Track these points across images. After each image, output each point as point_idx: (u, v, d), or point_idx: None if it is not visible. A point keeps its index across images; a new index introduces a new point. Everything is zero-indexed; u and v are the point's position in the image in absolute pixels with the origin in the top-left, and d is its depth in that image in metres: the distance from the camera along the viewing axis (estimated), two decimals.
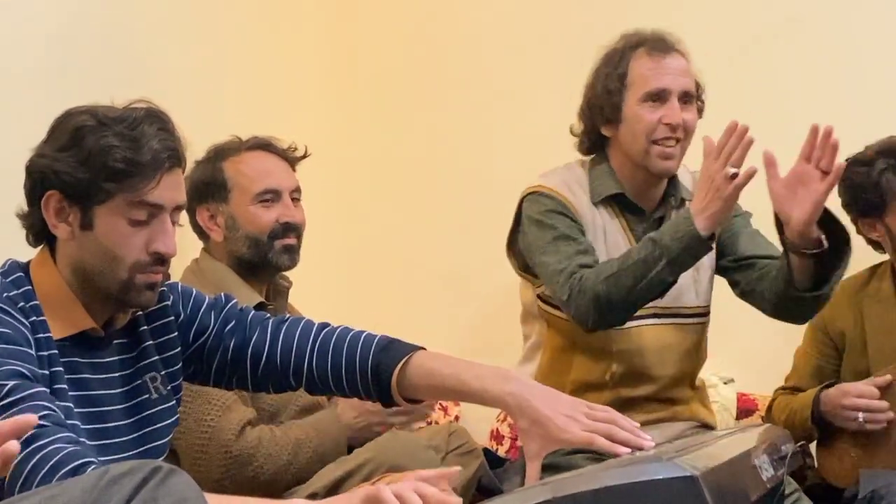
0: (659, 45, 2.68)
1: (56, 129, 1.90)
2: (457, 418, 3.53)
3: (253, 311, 2.14)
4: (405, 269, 3.73)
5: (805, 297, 2.53)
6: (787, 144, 3.39)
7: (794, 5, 3.45)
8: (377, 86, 3.87)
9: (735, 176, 2.39)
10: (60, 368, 1.84)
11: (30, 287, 1.88)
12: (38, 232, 1.93)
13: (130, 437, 1.94)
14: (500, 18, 3.65)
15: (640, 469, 1.53)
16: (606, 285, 2.48)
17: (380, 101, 3.86)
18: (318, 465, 2.49)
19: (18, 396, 1.69)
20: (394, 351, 2.04)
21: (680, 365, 2.71)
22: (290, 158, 2.75)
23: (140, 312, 2.01)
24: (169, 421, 2.02)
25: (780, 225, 2.50)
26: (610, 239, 2.67)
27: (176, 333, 2.05)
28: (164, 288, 2.02)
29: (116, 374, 1.95)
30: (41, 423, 1.67)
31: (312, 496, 2.31)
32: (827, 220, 2.49)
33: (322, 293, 3.43)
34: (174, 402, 2.04)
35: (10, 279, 1.87)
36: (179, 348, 2.05)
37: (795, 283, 2.51)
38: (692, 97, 2.68)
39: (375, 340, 2.06)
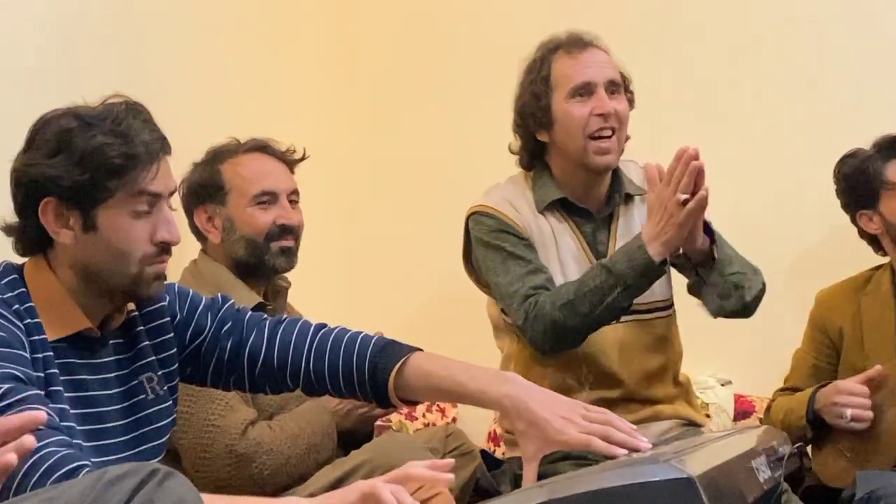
0: (576, 42, 2.71)
1: (37, 136, 1.88)
2: (454, 420, 3.53)
3: (250, 312, 2.14)
4: (403, 270, 3.73)
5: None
6: (787, 144, 3.42)
7: (794, 5, 3.45)
8: (376, 87, 3.87)
9: (687, 202, 2.42)
10: (56, 370, 1.84)
11: (24, 289, 1.87)
12: (33, 241, 1.91)
13: (127, 437, 1.94)
14: (500, 19, 3.65)
15: (637, 471, 1.53)
16: (562, 312, 2.52)
17: (379, 102, 3.86)
18: (314, 456, 2.52)
19: (12, 400, 1.69)
20: (391, 352, 2.04)
21: (648, 361, 2.71)
22: (288, 160, 2.75)
23: (136, 313, 2.01)
24: (166, 421, 2.02)
25: None
26: (561, 244, 2.69)
27: (172, 334, 2.05)
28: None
29: (113, 375, 1.95)
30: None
31: (310, 497, 2.31)
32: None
33: (321, 294, 3.43)
34: (171, 402, 2.04)
35: (4, 281, 1.87)
36: (176, 349, 2.05)
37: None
38: (619, 86, 2.70)
39: (372, 342, 2.07)
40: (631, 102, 2.74)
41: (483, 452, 2.62)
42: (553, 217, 2.70)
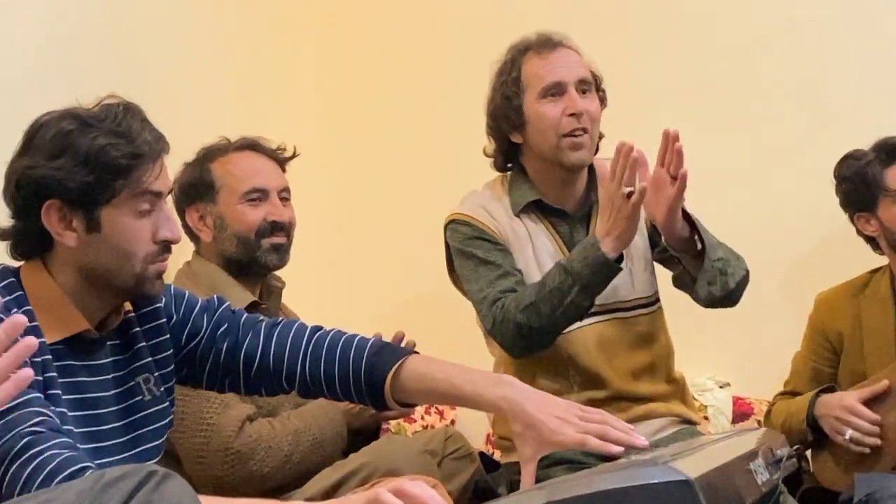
0: (546, 43, 2.72)
1: (35, 139, 1.88)
2: (452, 422, 3.53)
3: (246, 314, 2.14)
4: (398, 271, 3.73)
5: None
6: (786, 144, 3.42)
7: (794, 5, 3.45)
8: (373, 86, 3.87)
9: (631, 194, 2.42)
10: (54, 373, 1.84)
11: (22, 292, 1.87)
12: (33, 244, 1.92)
13: (124, 438, 1.94)
14: (497, 19, 3.65)
15: (635, 473, 1.53)
16: (526, 315, 2.53)
17: (375, 101, 3.86)
18: (319, 453, 2.52)
19: (14, 403, 1.68)
20: (387, 355, 2.04)
21: (633, 358, 2.71)
22: (279, 158, 2.76)
23: (133, 314, 2.01)
24: (163, 422, 2.02)
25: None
26: (537, 244, 2.69)
27: (169, 335, 2.05)
28: None
29: (110, 376, 1.95)
30: (37, 429, 1.68)
31: (309, 500, 2.31)
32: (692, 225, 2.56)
33: (315, 294, 3.43)
34: (167, 403, 2.04)
35: (1, 285, 1.87)
36: (172, 350, 2.06)
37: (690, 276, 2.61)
38: (590, 85, 2.71)
39: (368, 344, 2.07)
40: (603, 101, 2.74)
41: (481, 455, 2.62)
42: (528, 219, 2.71)
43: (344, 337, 2.09)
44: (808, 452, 2.94)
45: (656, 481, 1.50)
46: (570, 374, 2.67)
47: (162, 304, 2.05)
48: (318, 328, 2.11)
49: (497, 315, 2.57)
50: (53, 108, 1.91)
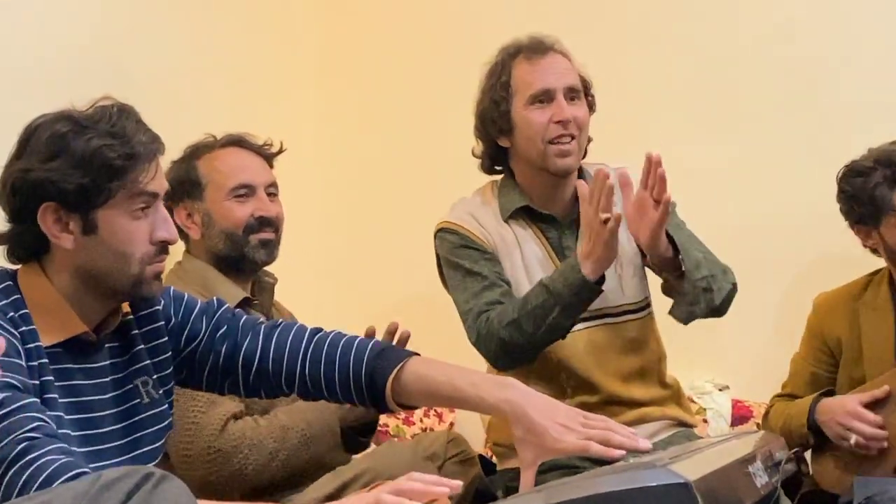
0: (536, 48, 2.71)
1: (30, 141, 1.88)
2: (451, 425, 3.52)
3: (245, 317, 2.13)
4: (397, 269, 3.72)
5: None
6: (786, 149, 3.42)
7: (792, 7, 3.45)
8: (367, 84, 3.87)
9: (608, 220, 2.43)
10: (51, 377, 1.84)
11: (19, 296, 1.87)
12: (29, 247, 1.91)
13: (122, 441, 1.94)
14: (494, 19, 3.65)
15: (633, 476, 1.53)
16: (509, 331, 2.54)
17: (369, 99, 3.86)
18: (309, 449, 2.51)
19: (10, 408, 1.68)
20: (388, 357, 2.04)
21: (623, 363, 2.70)
22: (266, 154, 2.76)
23: (131, 316, 2.01)
24: (161, 425, 2.01)
25: None
26: (525, 250, 2.69)
27: (167, 338, 2.05)
28: None
29: (108, 379, 1.94)
30: (34, 434, 1.67)
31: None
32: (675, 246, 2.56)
33: (313, 292, 3.43)
34: (166, 406, 2.04)
35: None
36: (170, 353, 2.05)
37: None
38: (579, 92, 2.71)
39: (369, 346, 2.06)
40: (591, 107, 2.74)
41: (480, 458, 2.62)
42: (517, 224, 2.71)
43: (344, 339, 2.08)
44: (809, 455, 2.94)
45: (655, 484, 1.50)
46: (563, 378, 2.67)
47: (161, 307, 2.05)
48: (317, 330, 2.11)
49: (482, 329, 2.58)
50: (50, 111, 1.90)
